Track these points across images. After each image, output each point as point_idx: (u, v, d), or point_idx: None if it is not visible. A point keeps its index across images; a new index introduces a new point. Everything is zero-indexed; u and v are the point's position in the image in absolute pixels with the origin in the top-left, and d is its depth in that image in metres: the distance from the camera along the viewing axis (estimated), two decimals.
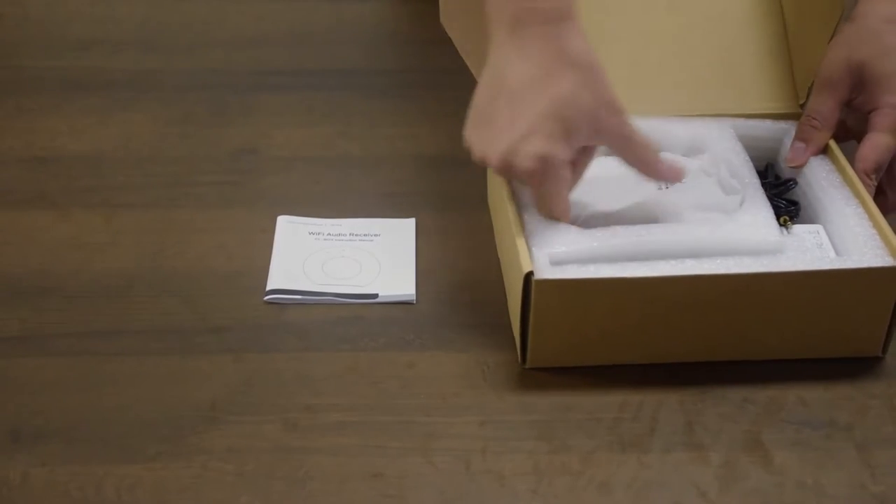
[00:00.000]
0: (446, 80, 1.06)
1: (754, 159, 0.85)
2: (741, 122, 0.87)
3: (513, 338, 0.78)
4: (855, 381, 0.75)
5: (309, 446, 0.70)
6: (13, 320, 0.79)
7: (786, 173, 0.86)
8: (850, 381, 0.75)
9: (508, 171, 0.74)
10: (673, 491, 0.68)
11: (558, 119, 0.72)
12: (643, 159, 0.77)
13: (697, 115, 0.87)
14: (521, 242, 0.74)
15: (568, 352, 0.75)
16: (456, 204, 0.91)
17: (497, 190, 0.82)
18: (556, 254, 0.74)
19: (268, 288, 0.82)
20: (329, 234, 0.87)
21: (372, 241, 0.87)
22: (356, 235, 0.87)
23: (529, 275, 0.71)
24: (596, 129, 0.74)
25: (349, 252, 0.86)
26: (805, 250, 0.76)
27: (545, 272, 0.72)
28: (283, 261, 0.84)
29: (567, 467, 0.69)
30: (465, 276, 0.84)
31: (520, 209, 0.78)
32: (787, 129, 0.87)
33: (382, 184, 0.94)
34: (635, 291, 0.72)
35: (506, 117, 0.73)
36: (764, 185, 0.82)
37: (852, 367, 0.76)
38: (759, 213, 0.78)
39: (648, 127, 0.85)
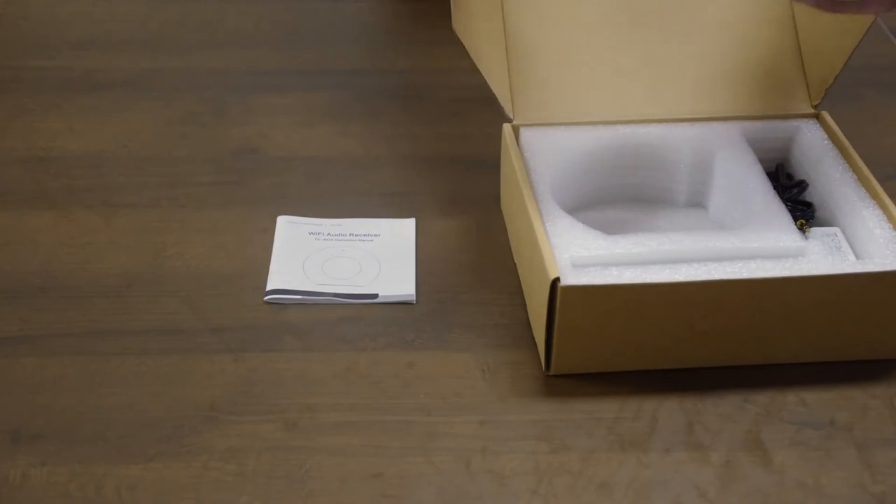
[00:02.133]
0: (446, 80, 1.07)
1: (764, 161, 0.84)
2: (749, 124, 0.87)
3: (513, 338, 0.78)
4: (855, 381, 0.75)
5: (309, 446, 0.70)
6: (13, 320, 0.79)
7: (797, 174, 0.86)
8: (851, 381, 0.75)
9: None
10: (673, 491, 0.68)
11: None
12: None
13: (707, 118, 0.87)
14: (545, 248, 0.73)
15: (593, 358, 0.74)
16: (456, 204, 0.91)
17: (515, 193, 0.82)
18: (578, 258, 0.74)
19: (268, 288, 0.82)
20: (329, 234, 0.87)
21: (372, 241, 0.87)
22: (356, 235, 0.87)
23: (556, 281, 0.71)
24: None
25: (349, 252, 0.86)
26: (825, 254, 0.76)
27: (570, 278, 0.72)
28: (283, 261, 0.84)
29: (567, 467, 0.69)
30: (465, 277, 0.84)
31: (542, 213, 0.78)
32: (798, 126, 0.87)
33: (382, 184, 0.94)
34: (661, 296, 0.72)
35: None
36: (776, 187, 0.82)
37: (853, 367, 0.76)
38: (776, 218, 0.78)
39: (655, 134, 0.85)
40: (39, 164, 0.96)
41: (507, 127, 0.86)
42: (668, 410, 0.73)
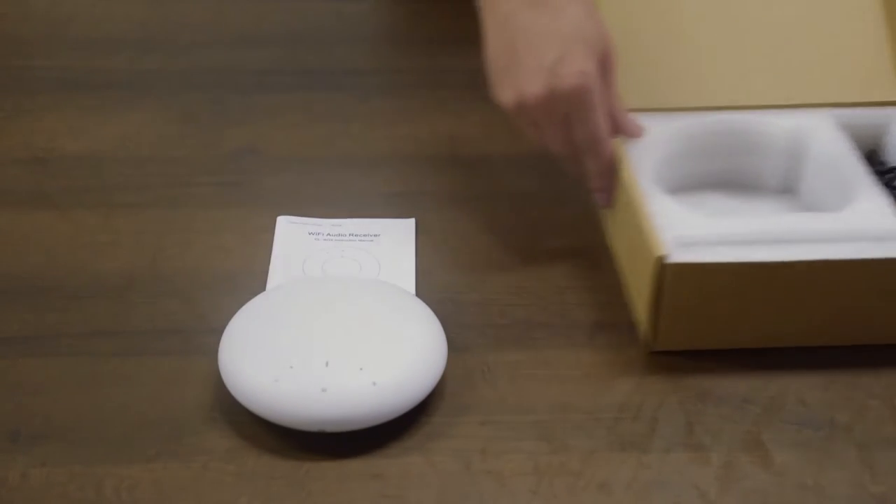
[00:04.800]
0: (446, 80, 1.07)
1: (856, 148, 0.84)
2: (840, 111, 0.87)
3: (513, 337, 0.78)
4: (855, 381, 0.75)
5: (309, 447, 0.70)
6: (13, 320, 0.79)
7: (889, 162, 0.86)
8: (851, 381, 0.75)
9: (550, 101, 0.76)
10: (673, 491, 0.68)
11: (581, 41, 0.76)
12: (617, 109, 0.80)
13: (797, 105, 0.87)
14: (649, 226, 0.74)
15: (696, 335, 0.76)
16: (456, 203, 0.91)
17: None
18: (682, 237, 0.75)
19: (268, 288, 0.82)
20: (329, 234, 0.87)
21: (372, 241, 0.87)
22: (356, 235, 0.87)
23: (661, 258, 0.72)
24: (602, 58, 0.77)
25: (349, 252, 0.86)
26: None
27: (677, 256, 0.72)
28: (283, 261, 0.84)
29: (567, 467, 0.69)
30: (465, 276, 0.84)
31: (644, 192, 0.78)
32: (891, 114, 0.87)
33: (382, 184, 0.94)
34: (767, 275, 0.73)
35: (531, 55, 0.76)
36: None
37: (852, 367, 0.76)
38: (876, 201, 0.78)
39: (747, 120, 0.86)
40: (39, 165, 0.96)
41: None
42: (668, 410, 0.73)
